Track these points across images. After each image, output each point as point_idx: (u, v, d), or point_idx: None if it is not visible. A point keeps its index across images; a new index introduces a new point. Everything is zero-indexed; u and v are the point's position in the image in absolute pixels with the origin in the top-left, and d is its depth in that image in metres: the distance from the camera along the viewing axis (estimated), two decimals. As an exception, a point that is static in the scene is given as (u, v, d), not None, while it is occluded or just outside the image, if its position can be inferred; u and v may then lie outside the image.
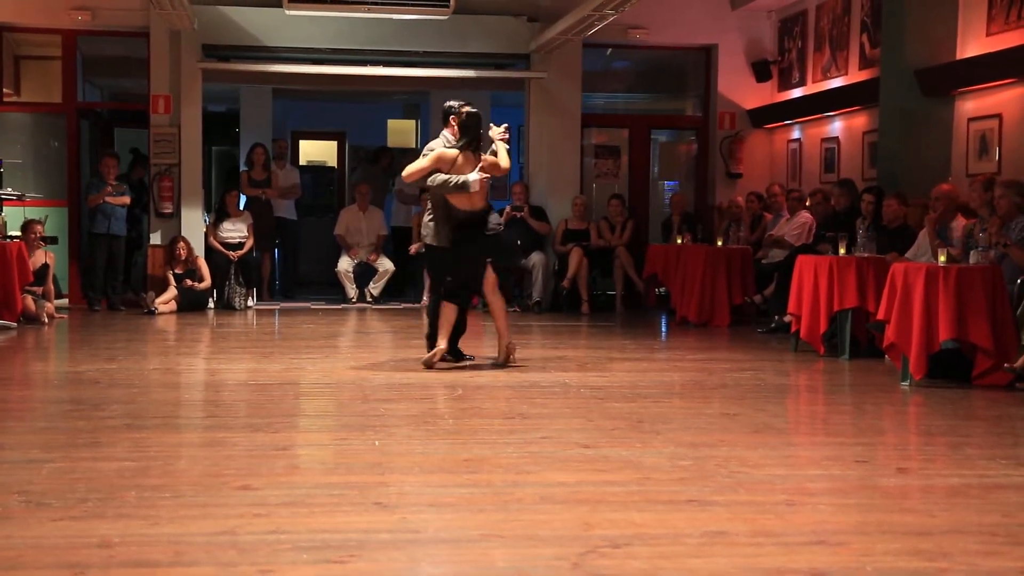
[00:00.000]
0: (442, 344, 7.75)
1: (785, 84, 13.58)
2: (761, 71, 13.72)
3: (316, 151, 18.61)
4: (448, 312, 7.78)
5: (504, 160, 7.93)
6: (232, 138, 17.43)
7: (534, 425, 5.82)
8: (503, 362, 7.96)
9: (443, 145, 7.93)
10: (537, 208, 13.15)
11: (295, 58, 13.26)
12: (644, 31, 13.47)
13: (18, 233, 11.15)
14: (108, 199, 12.22)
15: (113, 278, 12.47)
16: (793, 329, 9.15)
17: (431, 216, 7.99)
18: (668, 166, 15.35)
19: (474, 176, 7.72)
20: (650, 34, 13.53)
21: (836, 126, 12.46)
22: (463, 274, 7.87)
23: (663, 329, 11.26)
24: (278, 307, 12.88)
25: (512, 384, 7.22)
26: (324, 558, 3.52)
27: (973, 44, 9.97)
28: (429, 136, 16.80)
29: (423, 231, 8.12)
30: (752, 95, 13.87)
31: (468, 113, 7.92)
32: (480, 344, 9.53)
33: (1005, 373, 7.12)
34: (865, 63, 11.72)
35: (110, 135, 14.23)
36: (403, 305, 13.12)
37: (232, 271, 12.57)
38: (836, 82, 12.28)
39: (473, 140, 7.88)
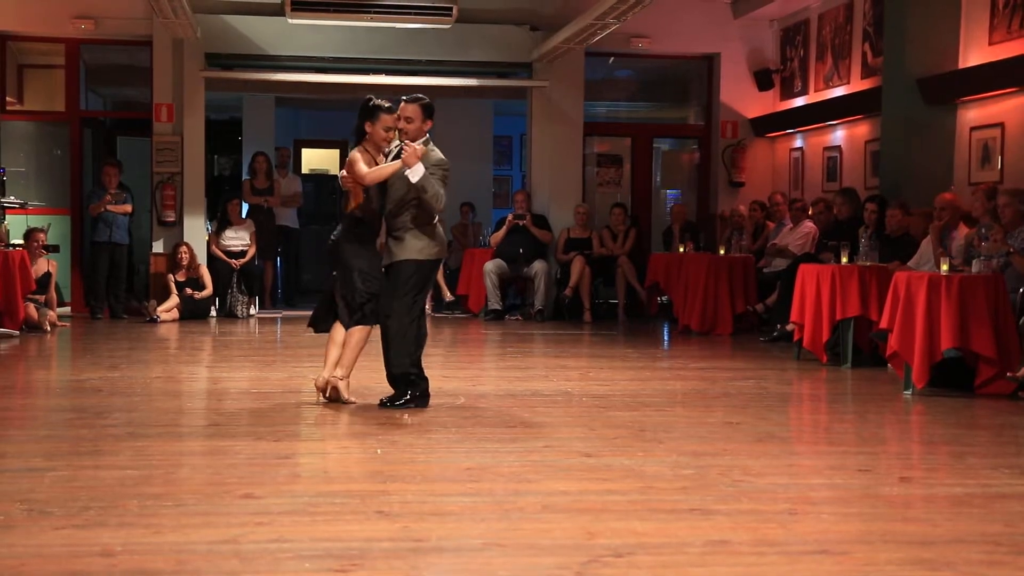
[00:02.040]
0: (325, 374, 6.67)
1: (787, 93, 13.59)
2: (763, 80, 13.74)
3: (319, 159, 18.62)
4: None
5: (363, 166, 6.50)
6: (235, 147, 17.44)
7: (536, 434, 5.81)
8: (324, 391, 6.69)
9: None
10: (539, 216, 13.15)
11: (298, 67, 13.28)
12: (646, 40, 13.48)
13: (21, 241, 11.16)
14: (109, 207, 12.23)
15: (115, 286, 12.47)
16: (796, 338, 9.14)
17: None
18: (670, 175, 15.35)
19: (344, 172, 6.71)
20: (652, 43, 13.55)
21: (838, 135, 12.46)
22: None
23: (665, 338, 11.25)
24: (280, 315, 12.89)
25: (514, 392, 7.21)
26: (326, 567, 3.51)
27: (975, 53, 9.97)
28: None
29: None
30: (754, 104, 13.88)
31: None
32: (481, 353, 9.53)
33: (1008, 382, 7.11)
34: (867, 72, 11.73)
35: (113, 144, 14.24)
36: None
37: (234, 279, 12.58)
38: (838, 91, 12.29)
39: (355, 132, 6.68)
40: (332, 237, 6.75)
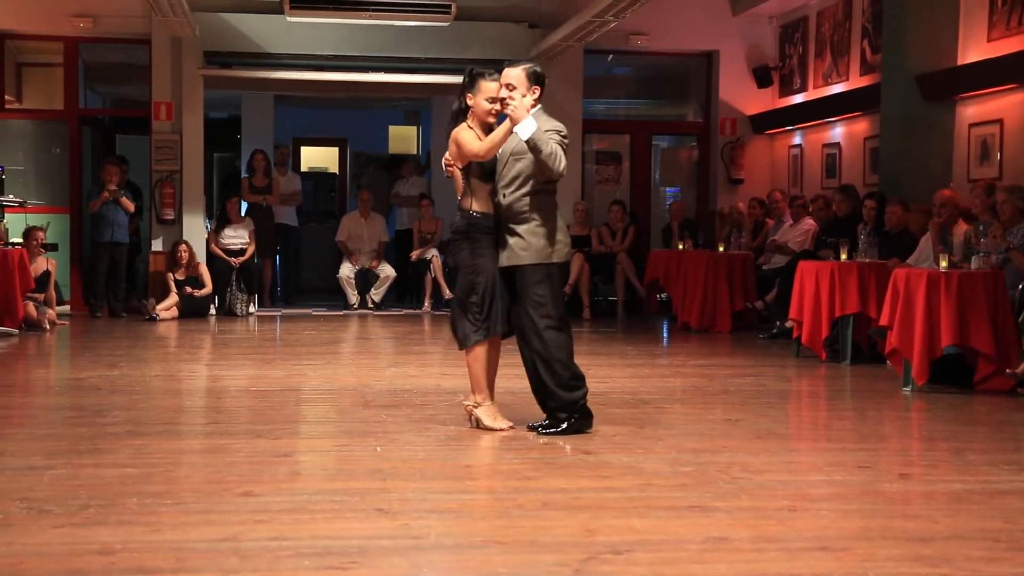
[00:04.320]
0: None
1: (786, 90, 13.59)
2: (762, 77, 13.73)
3: (317, 157, 18.64)
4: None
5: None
6: (234, 145, 17.45)
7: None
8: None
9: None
10: (538, 214, 13.13)
11: (297, 65, 13.28)
12: (645, 37, 13.48)
13: (20, 240, 11.16)
14: (114, 197, 12.16)
15: (115, 285, 12.47)
16: (795, 335, 9.14)
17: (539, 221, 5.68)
18: (669, 172, 15.35)
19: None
20: (651, 40, 13.54)
21: (837, 132, 12.46)
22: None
23: (665, 335, 11.25)
24: (279, 313, 12.88)
25: (513, 390, 7.20)
26: (326, 564, 3.51)
27: (974, 50, 9.97)
28: (431, 143, 16.94)
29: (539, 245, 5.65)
30: (753, 101, 13.88)
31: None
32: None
33: (1007, 379, 7.12)
34: (866, 69, 11.72)
35: (112, 142, 14.25)
36: (404, 311, 13.12)
37: (233, 277, 12.58)
38: (837, 88, 12.28)
39: (454, 112, 5.86)
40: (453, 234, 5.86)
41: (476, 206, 5.66)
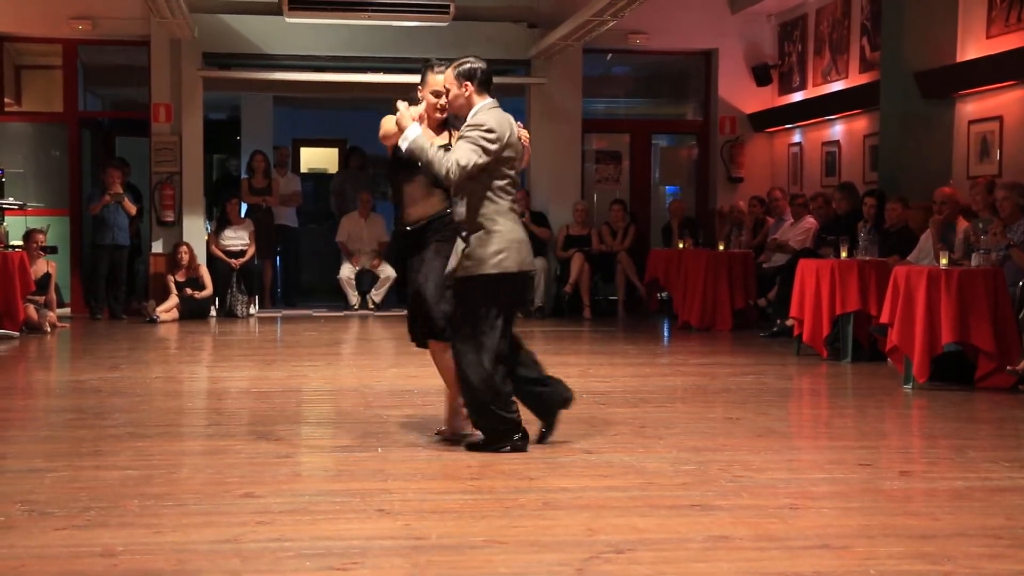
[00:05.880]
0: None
1: (785, 88, 13.59)
2: (761, 75, 13.73)
3: (317, 158, 18.63)
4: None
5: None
6: (233, 146, 17.44)
7: (536, 431, 5.79)
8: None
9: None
10: (538, 214, 13.15)
11: (296, 66, 13.29)
12: (644, 36, 13.47)
13: (20, 243, 11.16)
14: (116, 201, 12.15)
15: (115, 287, 12.47)
16: (795, 333, 9.14)
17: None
18: (669, 171, 15.35)
19: None
20: (650, 39, 13.54)
21: (837, 129, 12.46)
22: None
23: (665, 334, 11.25)
24: (280, 315, 12.89)
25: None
26: (327, 565, 3.52)
27: (973, 46, 9.97)
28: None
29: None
30: (752, 99, 13.87)
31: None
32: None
33: (1008, 375, 7.12)
34: (865, 66, 11.72)
35: (111, 144, 14.24)
36: (405, 312, 13.09)
37: (234, 279, 12.58)
38: (836, 85, 12.28)
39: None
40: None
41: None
